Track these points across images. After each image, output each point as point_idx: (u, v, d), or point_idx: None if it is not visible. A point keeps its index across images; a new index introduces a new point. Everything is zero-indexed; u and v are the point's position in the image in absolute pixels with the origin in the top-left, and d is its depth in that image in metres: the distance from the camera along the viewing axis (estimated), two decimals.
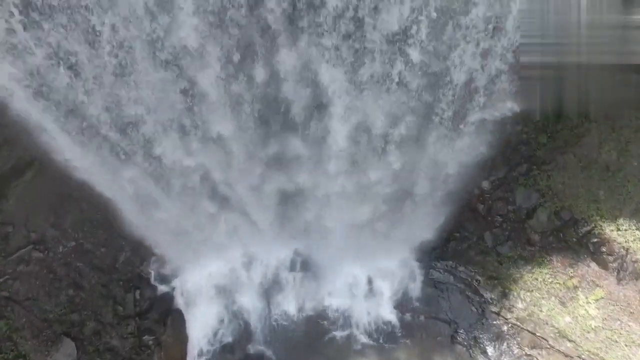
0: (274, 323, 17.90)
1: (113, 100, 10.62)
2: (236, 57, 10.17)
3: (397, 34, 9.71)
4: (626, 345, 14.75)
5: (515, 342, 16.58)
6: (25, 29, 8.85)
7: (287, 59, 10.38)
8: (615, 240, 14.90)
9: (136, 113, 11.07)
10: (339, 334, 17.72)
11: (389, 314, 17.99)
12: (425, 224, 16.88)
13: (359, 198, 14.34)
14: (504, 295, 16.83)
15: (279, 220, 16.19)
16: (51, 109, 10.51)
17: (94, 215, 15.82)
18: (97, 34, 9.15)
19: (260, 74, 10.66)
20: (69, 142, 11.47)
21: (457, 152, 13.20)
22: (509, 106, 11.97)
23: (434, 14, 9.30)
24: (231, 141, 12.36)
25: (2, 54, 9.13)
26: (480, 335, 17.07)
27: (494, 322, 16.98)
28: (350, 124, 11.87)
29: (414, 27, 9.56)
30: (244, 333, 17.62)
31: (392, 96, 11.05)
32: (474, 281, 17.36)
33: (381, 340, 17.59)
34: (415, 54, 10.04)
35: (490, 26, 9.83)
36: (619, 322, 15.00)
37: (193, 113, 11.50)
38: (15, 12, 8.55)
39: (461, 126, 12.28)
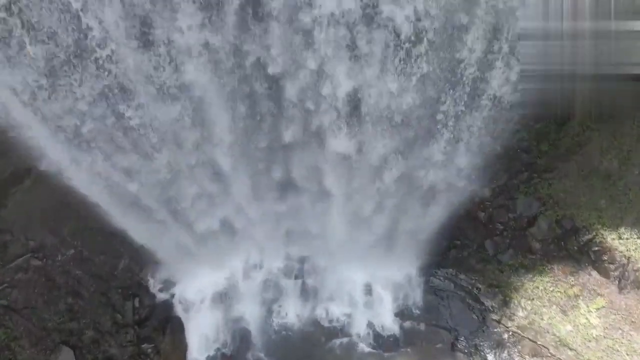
0: (273, 331, 17.84)
1: (166, 198, 14.21)
2: (261, 165, 14.02)
3: (376, 164, 13.16)
4: (627, 355, 14.71)
5: (516, 350, 16.52)
6: (104, 160, 12.12)
7: (300, 170, 14.26)
8: (616, 249, 14.87)
9: (182, 207, 14.64)
10: (338, 341, 17.65)
11: (389, 322, 17.93)
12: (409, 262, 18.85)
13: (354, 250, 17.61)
14: (505, 303, 16.79)
15: (284, 242, 18.18)
16: (121, 204, 13.90)
17: (92, 223, 15.72)
18: (157, 159, 12.57)
19: (277, 176, 14.52)
20: (131, 223, 14.97)
21: (427, 224, 16.61)
22: (469, 192, 15.36)
23: (403, 164, 13.28)
24: (252, 212, 16.05)
25: (89, 177, 12.52)
26: (481, 343, 17.02)
27: (495, 330, 16.94)
28: (346, 218, 15.67)
29: (389, 165, 13.24)
30: (244, 341, 17.54)
31: (376, 197, 14.59)
32: (475, 289, 17.32)
33: (381, 348, 17.51)
34: (389, 178, 13.70)
35: (444, 158, 13.28)
36: (620, 331, 14.96)
37: (228, 204, 15.44)
38: (98, 153, 11.74)
39: (427, 210, 15.97)
